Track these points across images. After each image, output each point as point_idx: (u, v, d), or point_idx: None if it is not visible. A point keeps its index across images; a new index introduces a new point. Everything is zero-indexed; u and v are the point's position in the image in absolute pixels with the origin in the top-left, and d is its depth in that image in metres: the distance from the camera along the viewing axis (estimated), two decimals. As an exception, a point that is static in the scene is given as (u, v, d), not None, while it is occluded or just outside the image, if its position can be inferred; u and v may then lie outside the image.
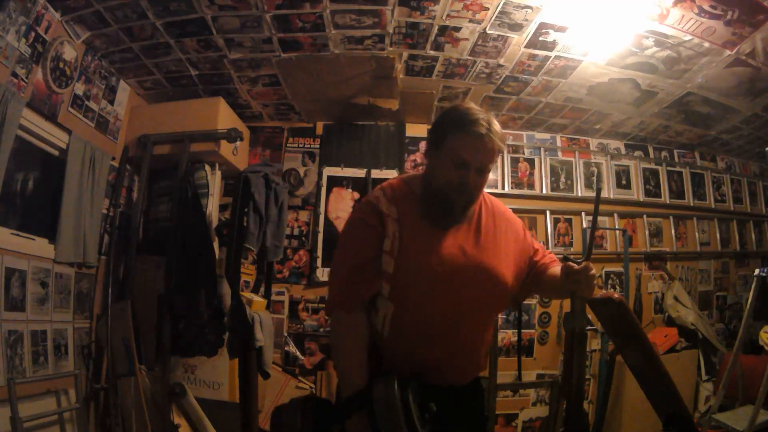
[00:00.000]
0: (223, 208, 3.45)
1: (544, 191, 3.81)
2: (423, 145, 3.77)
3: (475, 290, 1.27)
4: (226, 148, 3.14)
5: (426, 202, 1.30)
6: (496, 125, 1.24)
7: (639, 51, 2.68)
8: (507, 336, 3.53)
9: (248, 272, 3.35)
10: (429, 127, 3.76)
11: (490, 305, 1.34)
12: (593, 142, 4.00)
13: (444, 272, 1.24)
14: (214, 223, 3.15)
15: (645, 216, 3.91)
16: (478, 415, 1.41)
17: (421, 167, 3.74)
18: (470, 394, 1.37)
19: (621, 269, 3.67)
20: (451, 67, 2.95)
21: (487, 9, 2.38)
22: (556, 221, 3.78)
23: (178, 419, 2.73)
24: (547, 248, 3.57)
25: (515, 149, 3.89)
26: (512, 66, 2.90)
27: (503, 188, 3.76)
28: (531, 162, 3.87)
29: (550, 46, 2.67)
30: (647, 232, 3.88)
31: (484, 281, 1.27)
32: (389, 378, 1.14)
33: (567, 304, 1.32)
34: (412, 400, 1.12)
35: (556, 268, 1.37)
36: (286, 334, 3.47)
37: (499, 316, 3.15)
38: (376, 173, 3.68)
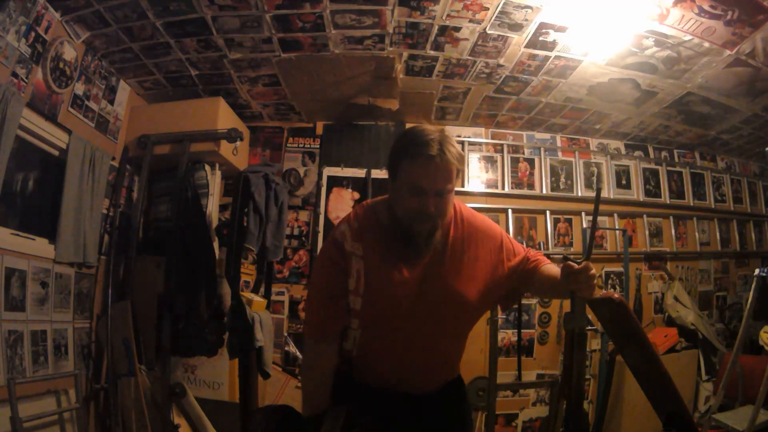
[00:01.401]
0: (223, 208, 3.45)
1: (544, 191, 3.81)
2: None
3: (442, 318, 1.29)
4: (226, 148, 3.14)
5: (391, 233, 1.29)
6: (451, 144, 1.21)
7: (639, 51, 2.68)
8: (507, 336, 3.53)
9: (248, 272, 3.35)
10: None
11: (459, 327, 1.36)
12: (593, 142, 4.01)
13: (409, 305, 1.25)
14: (214, 223, 3.15)
15: (645, 216, 3.91)
16: (458, 415, 1.42)
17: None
18: (445, 397, 1.39)
19: (621, 269, 3.66)
20: (451, 67, 2.95)
21: (487, 9, 2.38)
22: (556, 221, 3.78)
23: (178, 419, 2.73)
24: (547, 248, 3.63)
25: (515, 149, 3.89)
26: (512, 66, 2.90)
27: (503, 188, 3.76)
28: (531, 162, 3.87)
29: (550, 46, 2.67)
30: (647, 232, 3.88)
31: (451, 308, 1.29)
32: (338, 415, 1.20)
33: (567, 304, 1.32)
34: None
35: (549, 267, 1.37)
36: (286, 334, 3.47)
37: (499, 316, 3.14)
38: (376, 173, 3.68)
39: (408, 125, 3.78)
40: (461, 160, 1.24)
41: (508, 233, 3.58)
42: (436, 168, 1.19)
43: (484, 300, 1.34)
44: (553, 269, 1.35)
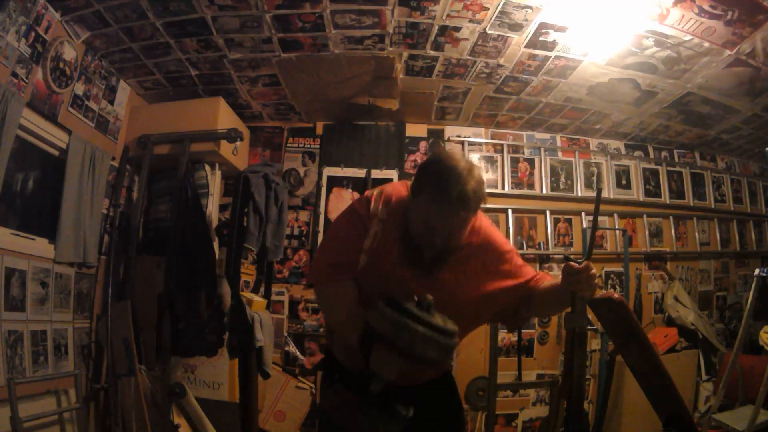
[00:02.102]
0: (223, 208, 3.45)
1: (544, 191, 3.81)
2: (423, 145, 3.78)
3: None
4: (226, 148, 3.14)
5: (404, 237, 1.29)
6: (475, 189, 1.18)
7: (639, 51, 2.68)
8: (507, 336, 3.53)
9: (248, 272, 3.35)
10: (429, 126, 3.81)
11: (464, 326, 1.32)
12: (593, 142, 4.01)
13: (403, 282, 1.26)
14: (214, 223, 3.15)
15: (645, 216, 3.91)
16: (449, 407, 1.43)
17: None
18: (437, 389, 1.39)
19: (621, 269, 3.66)
20: (451, 67, 2.95)
21: (487, 9, 2.38)
22: (556, 221, 3.78)
23: (178, 419, 2.73)
24: (547, 248, 3.63)
25: (515, 149, 3.89)
26: (512, 66, 2.90)
27: (503, 188, 3.76)
28: (531, 162, 3.87)
29: (550, 46, 2.67)
30: (647, 232, 3.88)
31: (444, 299, 1.26)
32: (376, 307, 1.15)
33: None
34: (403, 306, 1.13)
35: (549, 280, 1.37)
36: (286, 334, 3.47)
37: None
38: (376, 173, 3.68)
39: (408, 125, 3.79)
40: (484, 200, 1.22)
41: (508, 233, 3.62)
42: (452, 218, 1.19)
43: (480, 312, 1.34)
44: (551, 280, 1.36)
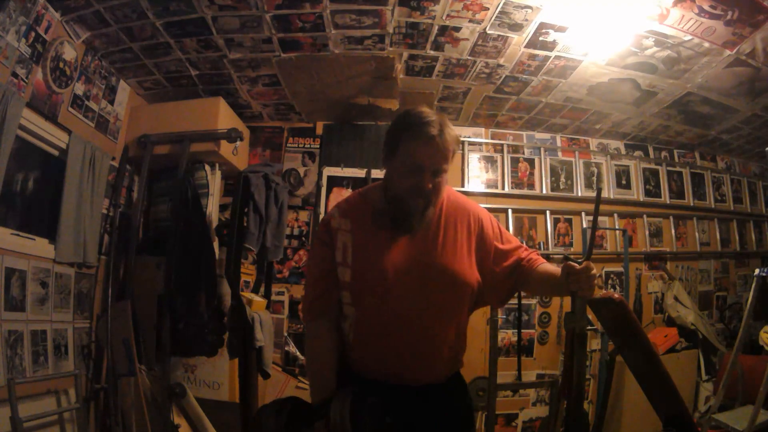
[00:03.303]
0: (223, 208, 3.45)
1: (544, 191, 3.81)
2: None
3: (431, 291, 1.30)
4: (226, 148, 3.14)
5: (386, 210, 1.34)
6: (449, 127, 1.28)
7: (639, 51, 2.68)
8: (507, 336, 3.53)
9: (248, 272, 3.35)
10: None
11: (449, 305, 1.34)
12: (593, 142, 4.01)
13: (397, 275, 1.28)
14: (214, 223, 3.15)
15: (645, 216, 3.91)
16: (459, 411, 1.41)
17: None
18: (447, 391, 1.37)
19: (621, 269, 3.67)
20: (451, 67, 2.95)
21: (487, 9, 2.38)
22: (556, 221, 3.78)
23: (178, 419, 2.73)
24: (547, 248, 3.63)
25: (515, 149, 3.89)
26: (512, 66, 2.90)
27: (503, 188, 3.75)
28: (531, 162, 3.87)
29: (550, 46, 2.67)
30: (647, 232, 3.88)
31: (441, 282, 1.31)
32: (345, 397, 1.19)
33: (567, 304, 1.32)
34: (367, 418, 1.16)
35: (546, 266, 1.37)
36: (286, 334, 3.47)
37: (499, 316, 3.14)
38: (376, 173, 3.67)
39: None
40: (457, 142, 1.31)
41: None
42: (436, 148, 1.25)
43: (469, 277, 1.34)
44: (550, 267, 1.36)
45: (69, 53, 2.52)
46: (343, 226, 1.35)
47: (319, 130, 3.78)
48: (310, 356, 1.40)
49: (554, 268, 1.35)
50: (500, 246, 1.41)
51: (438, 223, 1.36)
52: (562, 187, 3.86)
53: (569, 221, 3.80)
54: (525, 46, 2.68)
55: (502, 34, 2.58)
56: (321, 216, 3.62)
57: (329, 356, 1.31)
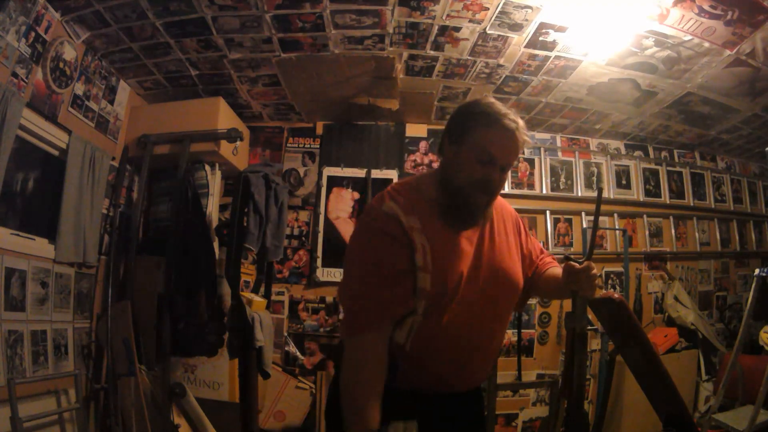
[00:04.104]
0: (223, 208, 3.45)
1: (544, 191, 3.81)
2: (423, 145, 3.78)
3: (500, 293, 1.24)
4: (226, 148, 3.14)
5: (445, 203, 1.20)
6: (521, 121, 1.19)
7: (639, 51, 2.68)
8: (507, 336, 3.53)
9: (248, 272, 3.35)
10: (429, 126, 3.81)
11: (511, 306, 1.31)
12: (593, 142, 4.00)
13: (468, 279, 1.18)
14: (214, 223, 3.15)
15: (645, 216, 3.91)
16: (479, 418, 1.41)
17: (421, 167, 3.74)
18: (473, 398, 1.34)
19: (621, 269, 3.67)
20: (451, 67, 2.95)
21: (487, 9, 2.38)
22: (556, 221, 3.78)
23: (178, 419, 2.73)
24: (547, 248, 3.62)
25: (515, 149, 3.88)
26: (512, 66, 2.90)
27: (503, 188, 3.75)
28: (531, 162, 3.87)
29: (550, 46, 2.67)
30: (647, 232, 3.88)
31: (506, 284, 1.25)
32: (409, 425, 1.02)
33: (567, 303, 1.32)
34: None
35: (554, 269, 1.36)
36: (286, 334, 3.47)
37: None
38: (376, 173, 3.68)
39: (408, 125, 3.79)
40: (527, 144, 1.24)
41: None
42: (512, 141, 1.16)
43: (521, 279, 1.30)
44: (557, 270, 1.35)
45: (69, 53, 2.52)
46: (414, 225, 1.15)
47: (319, 130, 3.78)
48: (356, 380, 1.09)
49: (559, 271, 1.32)
50: (533, 250, 1.40)
51: (492, 221, 1.28)
52: (562, 187, 3.86)
53: (569, 221, 3.80)
54: (525, 46, 2.68)
55: (502, 34, 2.58)
56: (321, 216, 3.62)
57: (380, 382, 1.08)
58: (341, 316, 1.32)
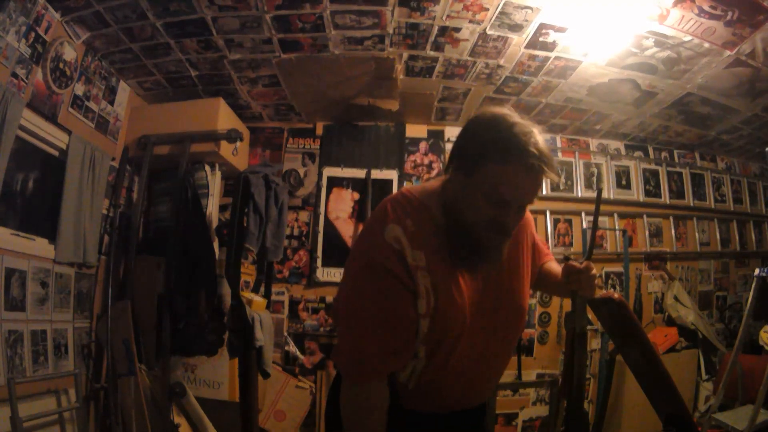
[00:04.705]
0: (223, 208, 3.45)
1: (544, 191, 3.81)
2: (423, 145, 3.77)
3: (508, 326, 1.21)
4: (226, 149, 3.14)
5: (454, 240, 1.07)
6: (544, 146, 0.98)
7: (639, 51, 2.68)
8: (507, 336, 3.53)
9: (248, 272, 3.35)
10: (429, 127, 3.81)
11: (518, 329, 1.27)
12: (593, 143, 4.01)
13: (473, 316, 1.10)
14: (214, 223, 3.15)
15: (645, 216, 3.91)
16: (480, 421, 1.42)
17: (420, 168, 3.74)
18: (479, 411, 1.34)
19: (621, 269, 3.67)
20: (451, 68, 2.95)
21: (487, 9, 2.38)
22: (556, 221, 3.78)
23: (178, 419, 2.73)
24: (547, 248, 3.62)
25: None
26: (512, 67, 2.90)
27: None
28: (531, 162, 3.87)
29: (550, 46, 2.67)
30: (647, 233, 3.88)
31: (515, 316, 1.21)
32: None
33: (567, 303, 1.32)
34: None
35: (552, 264, 1.36)
36: (286, 334, 3.47)
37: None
38: (376, 174, 3.68)
39: (408, 126, 3.78)
40: (555, 168, 1.01)
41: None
42: (531, 182, 0.99)
43: (526, 301, 1.25)
44: (553, 265, 1.36)
45: (69, 54, 2.53)
46: (419, 262, 1.04)
47: (319, 131, 3.78)
48: (362, 426, 1.04)
49: (556, 267, 1.33)
50: (542, 256, 1.37)
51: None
52: (562, 187, 3.86)
53: (569, 221, 3.80)
54: (525, 47, 2.68)
55: (502, 34, 2.58)
56: (321, 216, 3.62)
57: (384, 425, 1.05)
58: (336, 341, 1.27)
